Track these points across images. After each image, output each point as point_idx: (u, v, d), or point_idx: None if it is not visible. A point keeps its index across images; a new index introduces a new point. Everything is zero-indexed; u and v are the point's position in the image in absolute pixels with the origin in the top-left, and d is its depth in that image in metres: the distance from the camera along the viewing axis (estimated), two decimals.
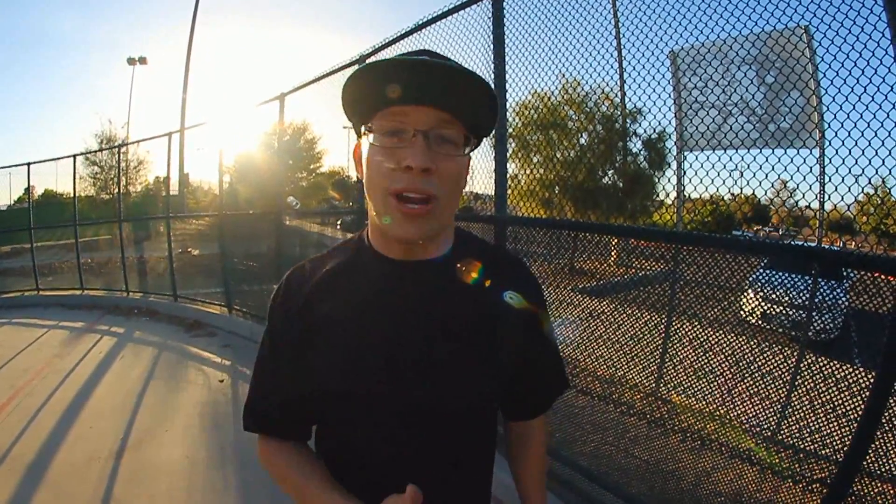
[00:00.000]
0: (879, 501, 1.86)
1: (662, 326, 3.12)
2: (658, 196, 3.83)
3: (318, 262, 0.92)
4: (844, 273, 3.22)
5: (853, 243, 2.46)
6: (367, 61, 0.72)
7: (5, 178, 11.01)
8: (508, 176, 3.01)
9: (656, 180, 3.84)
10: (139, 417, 3.97)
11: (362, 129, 0.78)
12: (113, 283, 9.20)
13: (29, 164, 9.96)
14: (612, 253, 4.19)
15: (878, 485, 1.81)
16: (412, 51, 0.77)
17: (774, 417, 2.62)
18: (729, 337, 2.79)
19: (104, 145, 19.23)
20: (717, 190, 2.22)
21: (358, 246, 0.90)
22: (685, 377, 2.83)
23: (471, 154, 0.84)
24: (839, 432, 2.14)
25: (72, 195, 9.94)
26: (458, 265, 0.85)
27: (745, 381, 2.65)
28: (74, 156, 9.77)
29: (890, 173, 1.60)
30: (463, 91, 0.71)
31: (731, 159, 2.20)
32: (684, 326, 2.97)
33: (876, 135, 1.62)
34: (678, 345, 2.97)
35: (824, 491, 2.07)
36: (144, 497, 2.90)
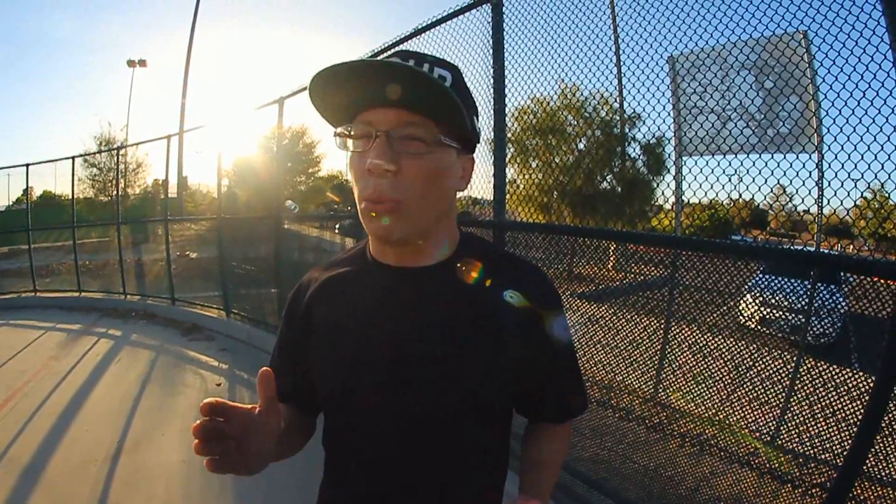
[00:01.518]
0: None
1: (661, 331, 3.12)
2: (656, 201, 3.84)
3: (327, 268, 0.94)
4: (842, 277, 3.23)
5: (852, 247, 2.47)
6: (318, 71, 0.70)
7: (4, 179, 11.00)
8: (507, 181, 3.01)
9: (655, 185, 3.85)
10: (136, 420, 3.95)
11: (338, 139, 0.78)
12: (111, 286, 9.16)
13: (27, 165, 9.93)
14: (611, 258, 4.20)
15: (878, 489, 1.80)
16: (390, 53, 0.77)
17: (773, 422, 2.62)
18: (728, 342, 2.79)
19: (103, 147, 19.19)
20: (717, 195, 2.22)
21: (361, 253, 0.91)
22: (684, 382, 2.83)
23: (468, 155, 0.83)
24: (839, 436, 2.14)
25: (70, 197, 9.92)
26: (458, 265, 0.84)
27: (745, 385, 2.65)
28: (73, 157, 9.74)
29: (889, 178, 1.61)
30: (422, 87, 0.69)
31: (730, 164, 2.20)
32: (683, 331, 2.97)
33: (875, 139, 1.62)
34: (677, 350, 2.97)
35: (824, 495, 2.07)
36: (141, 500, 2.88)
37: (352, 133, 0.75)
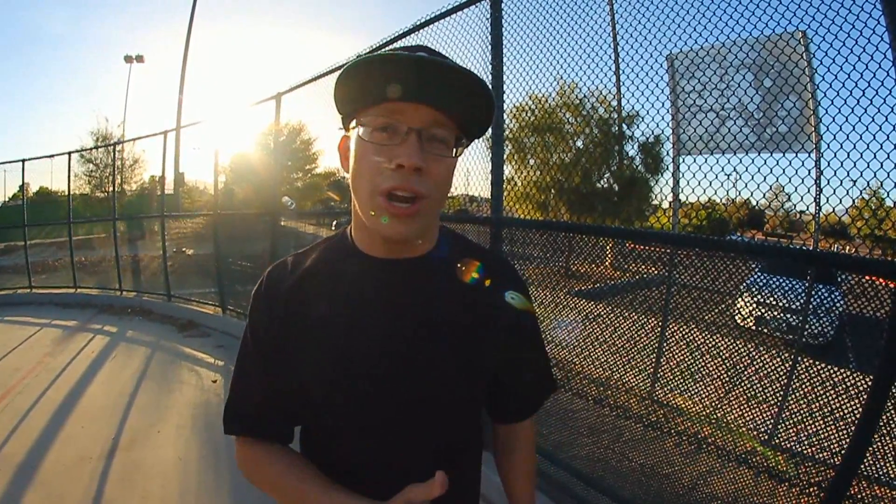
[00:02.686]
0: None
1: (658, 329, 3.12)
2: (654, 200, 3.83)
3: (300, 259, 0.90)
4: (840, 277, 3.24)
5: (850, 248, 2.47)
6: (366, 54, 0.69)
7: (0, 174, 10.95)
8: (504, 179, 3.00)
9: (652, 184, 3.85)
10: (131, 417, 3.93)
11: (352, 123, 0.76)
12: (107, 282, 9.14)
13: (24, 160, 9.88)
14: (608, 256, 4.20)
15: (876, 488, 1.81)
16: (410, 45, 0.76)
17: (770, 421, 2.62)
18: (725, 340, 2.79)
19: (100, 143, 19.11)
20: (716, 193, 2.21)
21: (341, 243, 0.89)
22: (681, 380, 2.83)
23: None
24: (836, 436, 2.14)
25: (66, 193, 9.85)
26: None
27: (741, 384, 2.65)
28: (70, 153, 9.67)
29: (889, 176, 1.60)
30: (460, 90, 0.70)
31: (729, 162, 2.20)
32: (680, 330, 2.97)
33: (875, 138, 1.62)
34: (674, 348, 2.97)
35: (821, 495, 2.07)
36: (136, 498, 2.87)
37: (377, 124, 0.72)
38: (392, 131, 0.71)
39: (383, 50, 0.72)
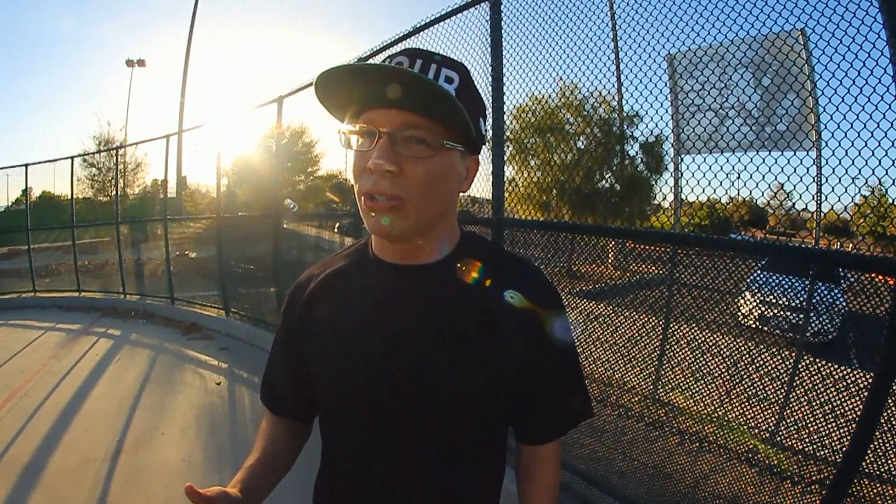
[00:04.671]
0: (879, 503, 1.85)
1: (660, 329, 3.12)
2: (655, 199, 3.83)
3: (326, 264, 0.93)
4: (841, 275, 3.24)
5: (850, 246, 2.47)
6: (328, 68, 0.70)
7: (3, 179, 11.00)
8: (506, 180, 3.00)
9: (653, 184, 3.85)
10: (135, 420, 3.95)
11: (342, 137, 0.78)
12: (110, 286, 9.17)
13: (27, 165, 9.93)
14: (610, 256, 4.20)
15: (878, 486, 1.81)
16: (399, 50, 0.77)
17: (773, 419, 2.62)
18: (727, 339, 2.79)
19: (102, 147, 19.17)
20: (715, 191, 2.22)
21: (362, 249, 0.90)
22: (683, 379, 2.83)
23: (472, 156, 0.82)
24: (838, 433, 2.14)
25: (69, 197, 9.91)
26: (459, 265, 0.83)
27: (743, 383, 2.65)
28: (72, 157, 9.73)
29: (887, 173, 1.60)
30: (427, 92, 0.69)
31: (728, 161, 2.21)
32: (682, 328, 2.97)
33: (872, 135, 1.62)
34: (676, 347, 2.97)
35: (823, 492, 2.07)
36: (140, 500, 2.88)
37: (355, 131, 0.75)
38: (370, 137, 0.73)
39: (381, 55, 0.73)
